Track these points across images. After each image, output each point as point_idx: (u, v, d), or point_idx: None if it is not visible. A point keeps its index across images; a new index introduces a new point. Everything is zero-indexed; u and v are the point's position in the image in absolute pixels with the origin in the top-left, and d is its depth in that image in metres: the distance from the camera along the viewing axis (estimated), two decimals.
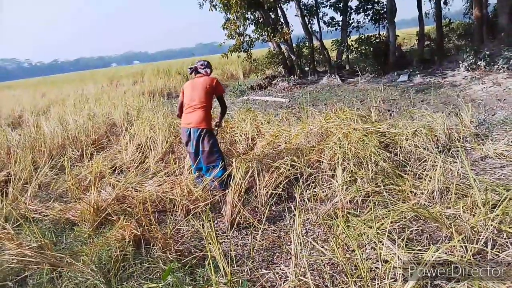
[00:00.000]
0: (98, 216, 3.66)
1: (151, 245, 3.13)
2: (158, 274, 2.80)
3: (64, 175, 4.99)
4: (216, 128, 4.59)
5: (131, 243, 3.11)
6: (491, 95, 7.69)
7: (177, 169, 4.59)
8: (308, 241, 3.03)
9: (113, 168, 5.33)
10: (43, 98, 16.50)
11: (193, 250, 3.07)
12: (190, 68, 4.48)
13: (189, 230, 3.42)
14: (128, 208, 3.85)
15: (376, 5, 13.46)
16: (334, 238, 2.80)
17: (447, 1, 14.71)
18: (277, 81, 13.66)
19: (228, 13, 12.30)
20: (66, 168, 4.64)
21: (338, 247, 2.65)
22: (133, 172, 4.89)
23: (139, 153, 5.74)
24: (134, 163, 5.45)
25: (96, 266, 2.85)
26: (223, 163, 4.14)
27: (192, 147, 4.16)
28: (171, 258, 2.93)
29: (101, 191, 4.12)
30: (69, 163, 4.89)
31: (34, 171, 5.02)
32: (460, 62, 10.13)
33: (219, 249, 2.49)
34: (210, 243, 2.60)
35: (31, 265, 2.93)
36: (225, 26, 12.36)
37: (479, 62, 9.51)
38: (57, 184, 4.91)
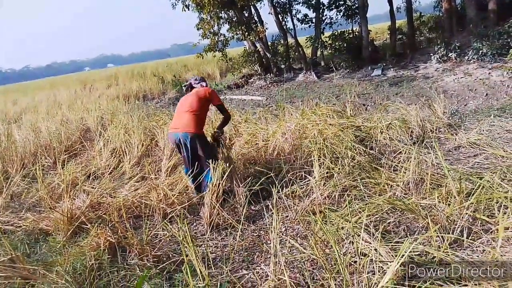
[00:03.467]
0: (72, 224, 3.56)
1: (128, 252, 3.06)
2: (135, 282, 2.72)
3: (37, 184, 4.83)
4: (219, 138, 4.27)
5: (106, 251, 3.03)
6: (462, 86, 7.87)
7: (153, 173, 4.50)
8: (287, 239, 3.01)
9: (88, 175, 5.18)
10: (15, 106, 15.99)
11: (171, 255, 3.01)
12: (185, 86, 4.39)
13: (166, 235, 3.35)
14: (103, 215, 3.75)
15: (348, 1, 13.59)
16: (313, 235, 2.79)
17: None
18: (254, 79, 13.64)
19: (201, 13, 12.17)
20: (38, 177, 4.49)
21: (317, 244, 2.64)
22: (107, 177, 4.77)
23: (114, 158, 5.60)
24: (109, 168, 5.32)
25: (70, 276, 2.76)
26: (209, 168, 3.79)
27: (185, 151, 3.89)
28: (148, 265, 2.87)
29: (75, 199, 4.00)
30: (42, 171, 4.73)
31: (5, 181, 4.85)
32: (431, 54, 10.32)
33: (195, 252, 2.44)
34: (186, 247, 2.55)
35: (0, 280, 2.81)
36: (199, 26, 12.23)
37: (450, 54, 9.71)
38: (30, 193, 4.75)
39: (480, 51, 8.88)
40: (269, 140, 5.09)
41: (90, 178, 5.08)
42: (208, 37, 12.22)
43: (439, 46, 9.99)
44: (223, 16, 12.46)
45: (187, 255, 2.53)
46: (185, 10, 12.55)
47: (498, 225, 2.52)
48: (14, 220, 4.02)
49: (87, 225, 3.38)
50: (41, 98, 17.34)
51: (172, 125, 3.99)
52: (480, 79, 7.99)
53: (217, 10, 11.61)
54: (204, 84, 4.31)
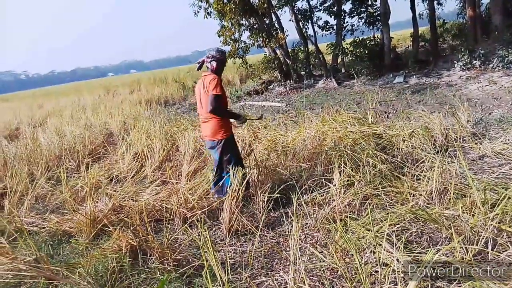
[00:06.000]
0: (95, 227, 3.63)
1: (148, 255, 3.09)
2: (156, 285, 2.75)
3: (61, 186, 4.94)
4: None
5: (127, 254, 3.07)
6: (487, 94, 7.69)
7: (174, 177, 4.55)
8: (306, 246, 3.00)
9: (110, 178, 5.28)
10: (40, 110, 16.46)
11: (191, 259, 3.03)
12: (198, 63, 3.97)
13: (186, 239, 3.38)
14: (125, 218, 3.80)
15: (369, 8, 13.52)
16: (333, 243, 2.77)
17: (440, 1, 14.80)
18: (273, 86, 13.67)
19: (222, 20, 12.35)
20: (62, 179, 4.60)
21: (337, 252, 2.62)
22: (129, 181, 4.85)
23: (136, 162, 5.70)
24: (131, 172, 5.41)
25: (92, 278, 2.80)
26: (229, 173, 3.78)
27: (214, 155, 3.97)
28: (169, 268, 2.89)
29: (97, 202, 4.08)
30: (66, 174, 4.84)
31: (31, 183, 4.97)
32: (455, 62, 10.15)
33: (215, 257, 2.46)
34: (206, 252, 2.57)
35: (26, 279, 2.89)
36: (220, 33, 12.39)
37: (474, 62, 9.53)
38: (54, 195, 4.87)
39: (506, 59, 8.68)
40: (288, 147, 5.09)
41: (113, 182, 5.16)
42: (229, 43, 12.37)
43: (463, 54, 9.81)
44: (244, 23, 12.58)
45: (207, 260, 2.54)
46: (206, 17, 12.73)
47: None
48: (39, 222, 4.11)
49: (109, 227, 3.43)
50: (65, 103, 17.79)
51: (203, 132, 4.00)
52: (506, 87, 7.79)
53: (238, 18, 11.74)
54: (214, 64, 3.79)
